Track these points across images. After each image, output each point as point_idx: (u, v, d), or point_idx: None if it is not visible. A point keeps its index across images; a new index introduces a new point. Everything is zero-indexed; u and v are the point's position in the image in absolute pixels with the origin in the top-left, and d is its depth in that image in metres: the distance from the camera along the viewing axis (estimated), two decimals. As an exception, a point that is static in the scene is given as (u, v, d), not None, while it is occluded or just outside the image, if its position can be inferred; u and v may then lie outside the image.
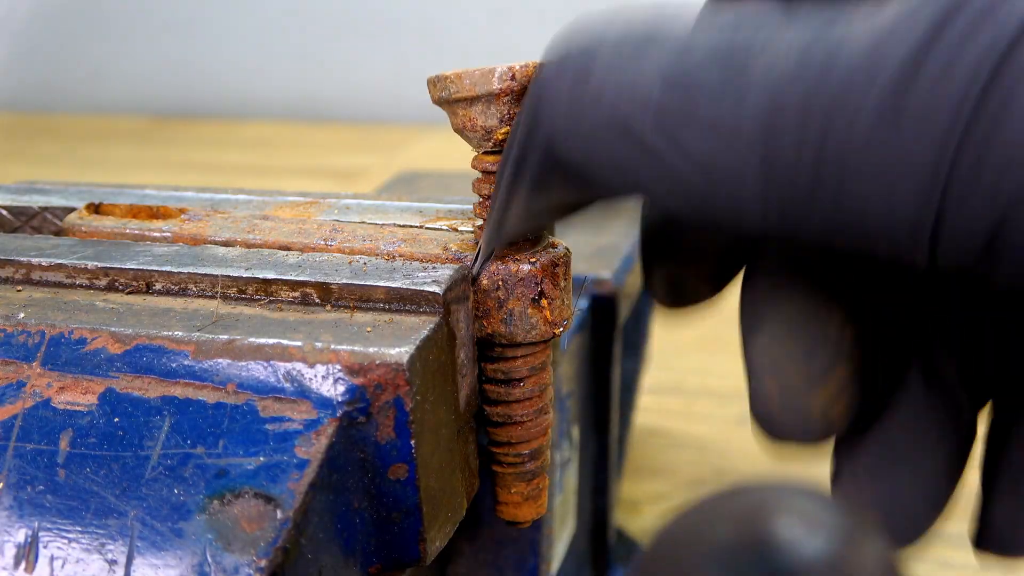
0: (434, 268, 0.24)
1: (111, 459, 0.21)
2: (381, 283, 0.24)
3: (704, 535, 0.15)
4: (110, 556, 0.19)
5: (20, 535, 0.20)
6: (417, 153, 1.15)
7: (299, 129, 1.31)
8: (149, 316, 0.24)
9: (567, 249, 0.26)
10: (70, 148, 1.29)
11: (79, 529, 0.20)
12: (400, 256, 0.26)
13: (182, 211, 0.30)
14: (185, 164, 1.18)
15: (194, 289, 0.25)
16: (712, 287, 0.25)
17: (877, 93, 0.16)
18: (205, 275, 0.25)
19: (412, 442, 0.21)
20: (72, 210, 0.30)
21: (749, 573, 0.14)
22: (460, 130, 0.24)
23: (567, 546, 0.37)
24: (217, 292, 0.25)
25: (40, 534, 0.20)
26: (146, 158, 1.22)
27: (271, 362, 0.21)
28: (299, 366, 0.21)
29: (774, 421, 0.22)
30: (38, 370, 0.22)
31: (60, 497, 0.20)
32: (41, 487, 0.21)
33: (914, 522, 0.22)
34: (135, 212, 0.30)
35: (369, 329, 0.22)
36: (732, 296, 0.24)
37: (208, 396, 0.21)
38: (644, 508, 0.52)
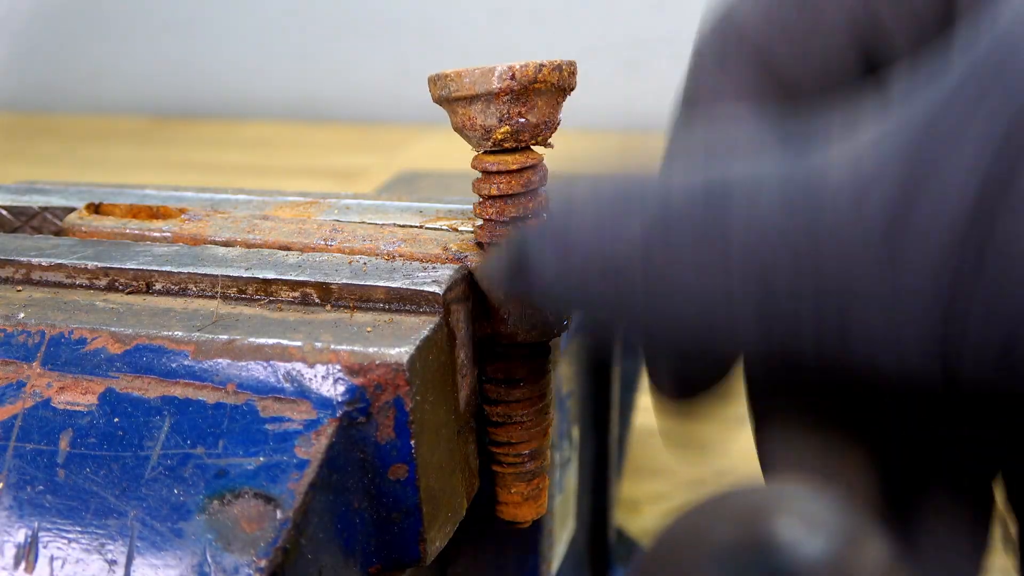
0: (434, 268, 0.24)
1: (111, 459, 0.21)
2: (381, 283, 0.24)
3: (705, 536, 0.15)
4: (110, 556, 0.19)
5: (20, 535, 0.20)
6: (417, 153, 1.15)
7: (299, 129, 1.31)
8: (149, 316, 0.24)
9: (567, 249, 0.26)
10: (70, 148, 1.29)
11: (79, 529, 0.20)
12: (400, 256, 0.26)
13: (182, 211, 0.30)
14: (185, 164, 1.18)
15: (194, 289, 0.25)
16: (723, 369, 0.24)
17: (870, 242, 0.16)
18: (205, 275, 0.25)
19: (412, 442, 0.21)
20: (72, 210, 0.30)
21: (750, 574, 0.14)
22: (460, 129, 0.24)
23: (567, 546, 0.37)
24: (217, 292, 0.25)
25: (40, 534, 0.20)
26: (146, 158, 1.22)
27: (271, 362, 0.21)
28: (299, 366, 0.21)
29: None
30: (38, 370, 0.22)
31: (60, 497, 0.20)
32: (41, 487, 0.21)
33: None
34: (135, 212, 0.30)
35: (369, 329, 0.22)
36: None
37: (208, 396, 0.21)
38: (644, 508, 0.52)
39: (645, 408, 0.56)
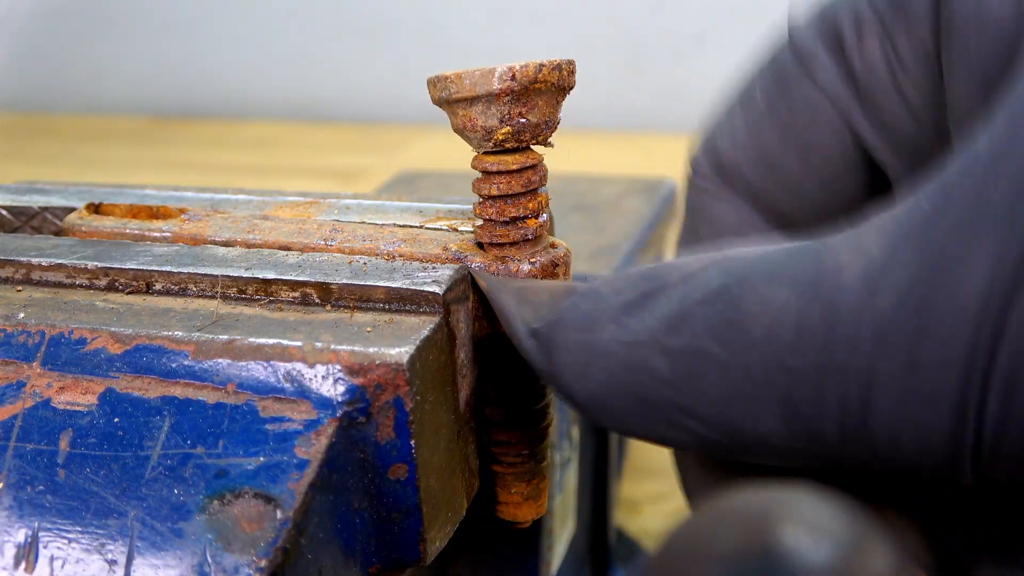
0: (434, 268, 0.24)
1: (111, 459, 0.21)
2: (381, 283, 0.24)
3: (710, 542, 0.15)
4: (110, 556, 0.19)
5: (20, 535, 0.20)
6: (417, 153, 1.15)
7: (299, 129, 1.31)
8: (149, 316, 0.24)
9: (567, 249, 0.26)
10: (70, 148, 1.29)
11: (79, 529, 0.20)
12: (400, 256, 0.26)
13: (182, 211, 0.30)
14: (185, 164, 1.18)
15: (194, 289, 0.25)
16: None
17: (885, 336, 0.16)
18: (205, 275, 0.25)
19: (412, 442, 0.21)
20: (72, 210, 0.30)
21: None
22: (460, 130, 0.24)
23: (567, 546, 0.37)
24: (217, 292, 0.25)
25: (40, 534, 0.20)
26: (146, 158, 1.22)
27: (271, 362, 0.21)
28: (299, 366, 0.21)
29: None
30: (38, 370, 0.22)
31: (60, 497, 0.20)
32: (41, 487, 0.21)
33: None
34: (135, 212, 0.30)
35: (369, 329, 0.22)
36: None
37: (208, 396, 0.21)
38: (644, 508, 0.52)
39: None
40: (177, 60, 1.43)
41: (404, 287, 0.23)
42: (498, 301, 0.23)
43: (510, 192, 0.24)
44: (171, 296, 0.25)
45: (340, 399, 0.21)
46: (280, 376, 0.21)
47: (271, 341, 0.22)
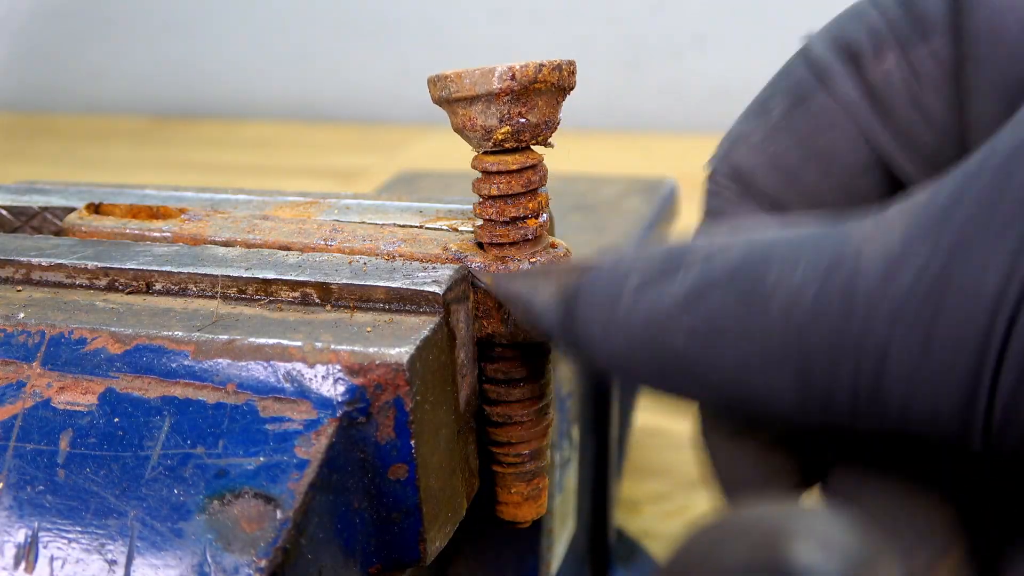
0: (434, 268, 0.24)
1: (111, 459, 0.21)
2: (381, 283, 0.24)
3: (720, 555, 0.15)
4: (110, 556, 0.19)
5: (20, 535, 0.20)
6: (417, 153, 1.15)
7: (299, 129, 1.31)
8: (149, 316, 0.24)
9: (567, 249, 0.26)
10: (70, 148, 1.29)
11: (79, 529, 0.20)
12: (400, 256, 0.26)
13: (182, 211, 0.30)
14: (185, 164, 1.18)
15: (194, 289, 0.25)
16: (803, 489, 0.24)
17: (900, 318, 0.16)
18: (205, 275, 0.25)
19: (412, 442, 0.21)
20: (72, 210, 0.30)
21: None
22: (460, 130, 0.24)
23: (567, 546, 0.37)
24: (217, 292, 0.25)
25: (40, 534, 0.20)
26: (146, 158, 1.22)
27: (271, 362, 0.21)
28: (299, 366, 0.21)
29: None
30: (38, 370, 0.22)
31: (60, 497, 0.20)
32: (41, 487, 0.21)
33: None
34: (135, 212, 0.30)
35: (369, 329, 0.22)
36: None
37: (208, 396, 0.21)
38: (644, 508, 0.52)
39: (645, 408, 0.56)
40: (177, 60, 1.43)
41: (404, 287, 0.23)
42: (507, 290, 0.24)
43: (510, 192, 0.24)
44: (171, 296, 0.25)
45: (340, 399, 0.21)
46: (280, 376, 0.21)
47: (271, 341, 0.22)
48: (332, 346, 0.21)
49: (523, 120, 0.23)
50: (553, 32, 1.24)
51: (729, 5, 1.15)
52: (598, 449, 0.41)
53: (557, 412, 0.32)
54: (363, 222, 0.28)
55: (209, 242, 0.27)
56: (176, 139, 1.30)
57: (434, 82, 0.24)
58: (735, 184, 0.23)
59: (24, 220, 0.31)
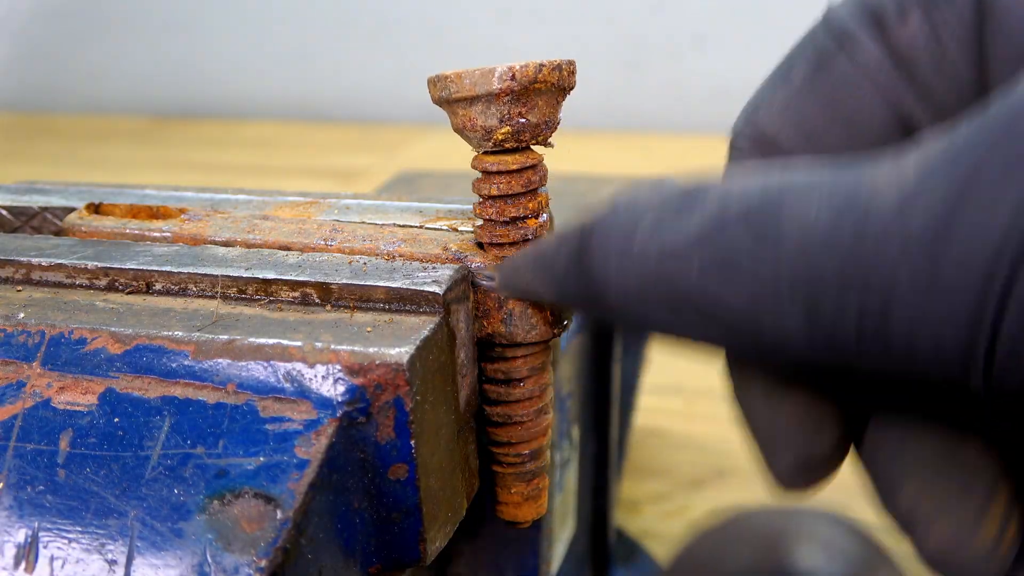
0: (434, 268, 0.24)
1: (111, 459, 0.21)
2: (381, 283, 0.24)
3: (723, 559, 0.15)
4: (110, 556, 0.19)
5: (20, 535, 0.20)
6: (417, 153, 1.15)
7: (299, 129, 1.31)
8: (149, 316, 0.24)
9: (567, 249, 0.26)
10: (70, 148, 1.29)
11: (79, 529, 0.20)
12: (400, 256, 0.26)
13: (182, 211, 0.30)
14: (185, 164, 1.18)
15: (194, 289, 0.25)
16: (843, 448, 0.23)
17: (911, 249, 0.17)
18: (205, 275, 0.25)
19: (412, 442, 0.21)
20: (72, 210, 0.30)
21: None
22: (460, 130, 0.24)
23: (567, 546, 0.37)
24: (217, 292, 0.25)
25: (40, 534, 0.20)
26: (146, 158, 1.22)
27: (271, 362, 0.21)
28: (299, 366, 0.21)
29: (958, 565, 0.21)
30: (38, 370, 0.22)
31: (60, 497, 0.20)
32: (41, 487, 0.21)
33: None
34: (135, 212, 0.30)
35: (369, 329, 0.22)
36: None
37: (208, 396, 0.21)
38: (644, 508, 0.52)
39: (645, 408, 0.57)
40: (177, 60, 1.43)
41: (404, 287, 0.23)
42: (512, 272, 0.24)
43: (510, 192, 0.24)
44: (171, 296, 0.25)
45: (340, 399, 0.21)
46: (280, 376, 0.21)
47: (271, 341, 0.22)
48: (332, 346, 0.21)
49: (523, 120, 0.23)
50: (553, 32, 1.24)
51: (729, 5, 1.15)
52: (598, 449, 0.41)
53: (557, 412, 0.32)
54: (363, 222, 0.28)
55: (209, 242, 0.27)
56: (176, 139, 1.30)
57: (434, 82, 0.24)
58: (758, 147, 0.24)
59: (24, 220, 0.31)
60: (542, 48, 1.21)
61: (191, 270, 0.25)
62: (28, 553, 0.20)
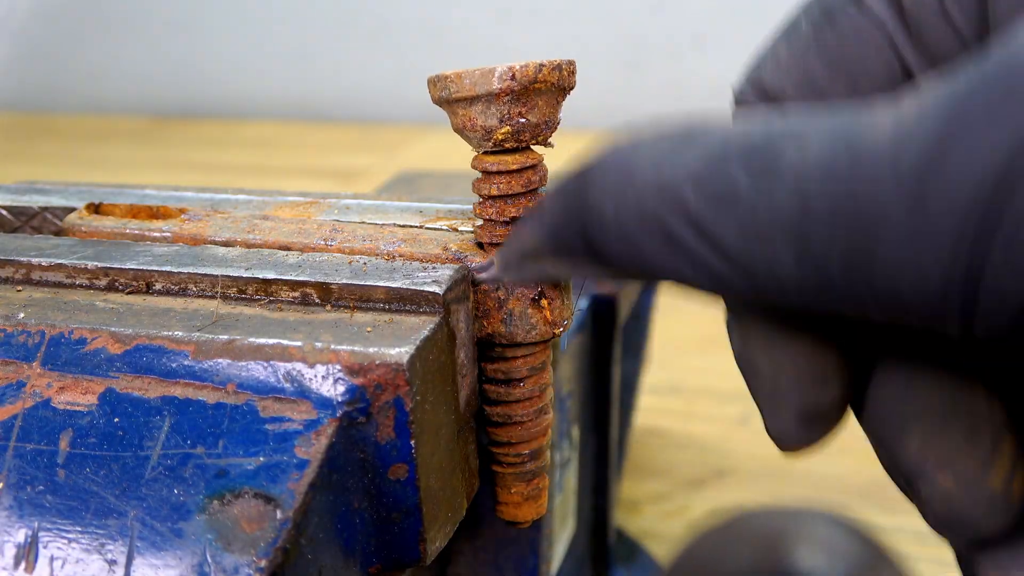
0: (434, 268, 0.24)
1: (111, 459, 0.21)
2: (381, 283, 0.24)
3: (723, 559, 0.15)
4: (110, 556, 0.19)
5: (20, 535, 0.20)
6: (417, 153, 1.15)
7: (299, 129, 1.31)
8: (149, 316, 0.24)
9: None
10: (70, 148, 1.29)
11: (79, 529, 0.20)
12: (400, 256, 0.26)
13: (182, 211, 0.30)
14: (185, 164, 1.18)
15: (194, 289, 0.25)
16: (844, 402, 0.23)
17: (902, 180, 0.17)
18: (205, 275, 0.25)
19: (412, 442, 0.21)
20: (72, 210, 0.30)
21: None
22: (460, 130, 0.24)
23: (567, 546, 0.37)
24: (217, 292, 0.25)
25: (40, 534, 0.20)
26: (146, 158, 1.22)
27: (271, 362, 0.21)
28: (299, 366, 0.21)
29: (964, 516, 0.21)
30: (38, 370, 0.22)
31: (60, 497, 0.20)
32: (41, 487, 0.21)
33: None
34: (135, 212, 0.30)
35: (369, 329, 0.22)
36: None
37: (208, 396, 0.21)
38: (644, 508, 0.52)
39: (645, 408, 0.57)
40: (177, 60, 1.43)
41: (404, 287, 0.23)
42: (510, 242, 0.24)
43: (510, 192, 0.24)
44: (171, 296, 0.25)
45: (340, 399, 0.21)
46: (280, 376, 0.21)
47: (271, 341, 0.22)
48: (332, 346, 0.21)
49: (523, 120, 0.23)
50: (553, 32, 1.24)
51: (729, 5, 1.15)
52: (598, 449, 0.41)
53: (557, 412, 0.33)
54: (363, 222, 0.28)
55: (209, 242, 0.27)
56: (176, 139, 1.30)
57: (434, 82, 0.24)
58: (762, 102, 0.24)
59: (24, 220, 0.31)
60: (542, 48, 1.21)
61: (191, 270, 0.25)
62: (28, 553, 0.20)
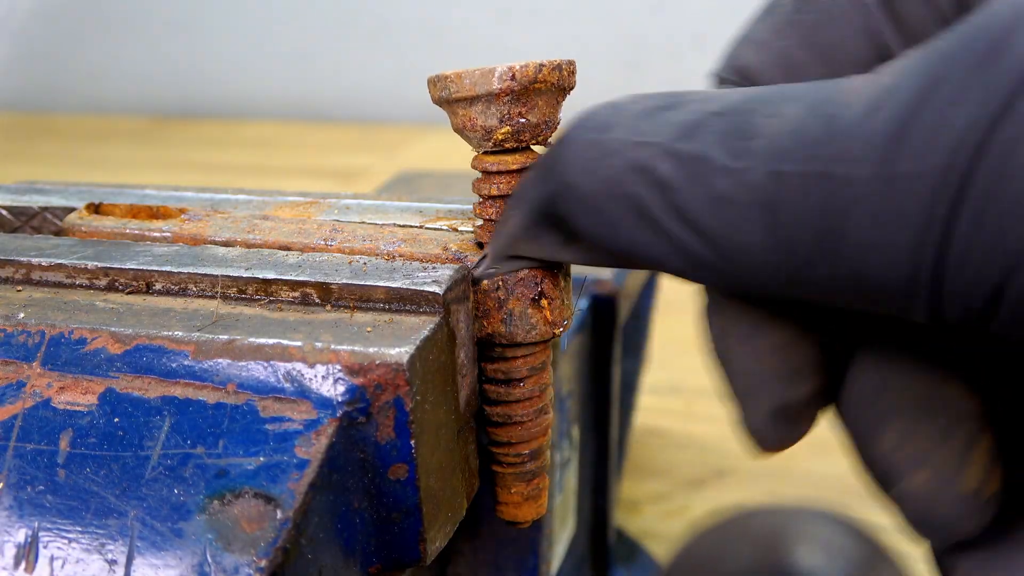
0: (434, 268, 0.24)
1: (111, 459, 0.21)
2: (381, 283, 0.24)
3: (723, 558, 0.15)
4: (110, 556, 0.19)
5: (20, 535, 0.20)
6: (417, 153, 1.15)
7: (299, 129, 1.31)
8: (149, 316, 0.24)
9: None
10: (70, 148, 1.29)
11: (79, 529, 0.20)
12: (400, 256, 0.26)
13: (182, 211, 0.30)
14: (185, 164, 1.18)
15: (194, 289, 0.25)
16: (820, 397, 0.22)
17: (871, 154, 0.16)
18: (205, 275, 0.25)
19: (412, 442, 0.21)
20: (72, 210, 0.30)
21: None
22: (460, 130, 0.24)
23: (567, 546, 0.37)
24: (217, 292, 0.25)
25: (40, 534, 0.20)
26: (146, 158, 1.22)
27: (271, 362, 0.21)
28: (299, 366, 0.21)
29: (939, 516, 0.20)
30: (38, 370, 0.22)
31: (60, 497, 0.20)
32: (41, 487, 0.21)
33: None
34: (135, 212, 0.30)
35: (369, 329, 0.22)
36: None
37: (208, 396, 0.21)
38: (644, 508, 0.52)
39: (645, 408, 0.57)
40: (177, 60, 1.44)
41: (404, 287, 0.23)
42: (498, 230, 0.23)
43: (510, 192, 0.24)
44: (171, 296, 0.25)
45: (340, 399, 0.21)
46: (280, 376, 0.21)
47: (271, 341, 0.22)
48: (332, 346, 0.21)
49: (523, 120, 0.23)
50: (553, 32, 1.24)
51: (729, 5, 1.14)
52: (598, 449, 0.41)
53: (557, 412, 0.33)
54: (363, 222, 0.28)
55: (209, 242, 0.27)
56: (176, 139, 1.30)
57: (434, 82, 0.24)
58: (741, 83, 0.23)
59: (24, 220, 0.31)
60: (542, 48, 1.21)
61: (191, 270, 0.25)
62: (28, 553, 0.20)
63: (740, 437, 0.22)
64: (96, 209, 0.30)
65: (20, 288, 0.26)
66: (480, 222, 0.25)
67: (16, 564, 0.20)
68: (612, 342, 0.39)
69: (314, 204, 0.30)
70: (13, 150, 1.30)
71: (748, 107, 0.18)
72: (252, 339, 0.22)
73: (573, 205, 0.21)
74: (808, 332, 0.22)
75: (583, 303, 0.37)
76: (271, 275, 0.24)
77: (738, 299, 0.22)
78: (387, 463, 0.22)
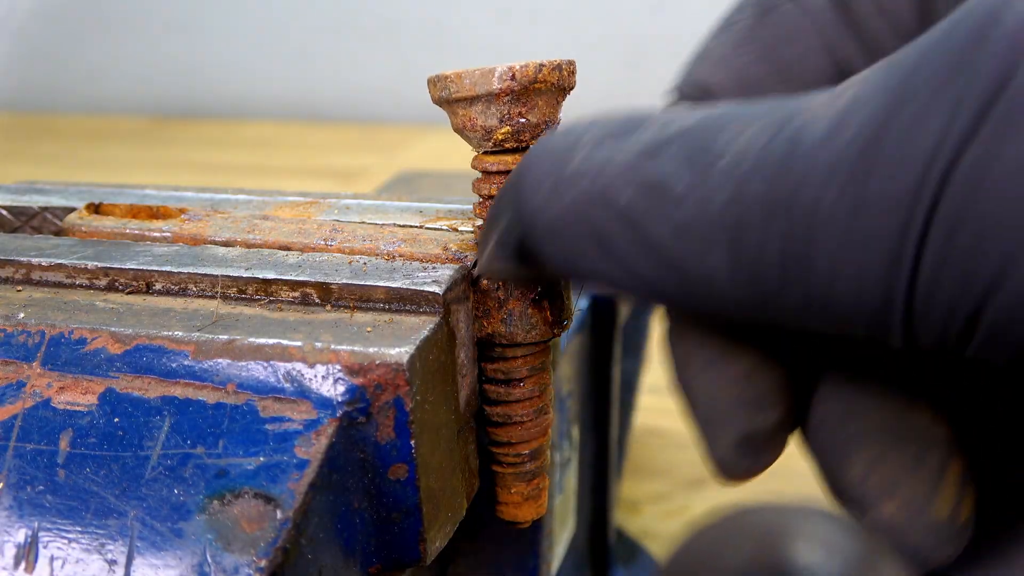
0: (434, 268, 0.24)
1: (111, 459, 0.21)
2: (381, 283, 0.24)
3: (722, 555, 0.15)
4: (110, 556, 0.19)
5: (20, 535, 0.20)
6: (417, 153, 1.15)
7: (299, 129, 1.31)
8: (149, 316, 0.24)
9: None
10: (70, 148, 1.29)
11: (79, 529, 0.20)
12: (400, 256, 0.26)
13: (182, 211, 0.30)
14: (185, 164, 1.18)
15: (194, 289, 0.25)
16: (787, 425, 0.22)
17: (836, 176, 0.16)
18: (205, 275, 0.25)
19: (412, 442, 0.21)
20: (72, 210, 0.30)
21: None
22: (460, 130, 0.24)
23: (567, 546, 0.37)
24: (217, 292, 0.25)
25: (40, 534, 0.20)
26: (146, 158, 1.22)
27: (271, 362, 0.21)
28: (299, 366, 0.21)
29: (912, 545, 0.20)
30: (38, 370, 0.22)
31: (60, 497, 0.20)
32: (41, 487, 0.21)
33: None
34: (135, 212, 0.30)
35: (369, 329, 0.22)
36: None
37: (208, 396, 0.21)
38: (644, 508, 0.52)
39: (645, 408, 0.57)
40: (177, 60, 1.43)
41: (404, 287, 0.23)
42: (480, 245, 0.23)
43: (510, 192, 0.24)
44: (171, 296, 0.25)
45: (340, 399, 0.21)
46: (280, 376, 0.21)
47: (271, 341, 0.22)
48: (332, 346, 0.21)
49: (523, 120, 0.23)
50: (553, 32, 1.24)
51: (729, 5, 1.14)
52: (598, 449, 0.41)
53: (557, 412, 0.33)
54: (363, 222, 0.28)
55: (209, 242, 0.27)
56: (176, 139, 1.30)
57: (434, 82, 0.24)
58: (701, 98, 0.23)
59: (24, 220, 0.31)
60: (542, 48, 1.21)
61: (191, 270, 0.25)
62: (28, 553, 0.20)
63: (705, 465, 0.22)
64: (96, 209, 0.30)
65: (20, 288, 0.26)
66: (480, 222, 0.25)
67: (16, 564, 0.20)
68: (612, 342, 0.39)
69: (314, 204, 0.30)
70: (13, 150, 1.30)
71: (708, 130, 0.18)
72: (252, 339, 0.22)
73: (536, 236, 0.20)
74: (773, 357, 0.21)
75: (583, 303, 0.37)
76: (271, 275, 0.24)
77: (701, 325, 0.21)
78: (387, 463, 0.22)
